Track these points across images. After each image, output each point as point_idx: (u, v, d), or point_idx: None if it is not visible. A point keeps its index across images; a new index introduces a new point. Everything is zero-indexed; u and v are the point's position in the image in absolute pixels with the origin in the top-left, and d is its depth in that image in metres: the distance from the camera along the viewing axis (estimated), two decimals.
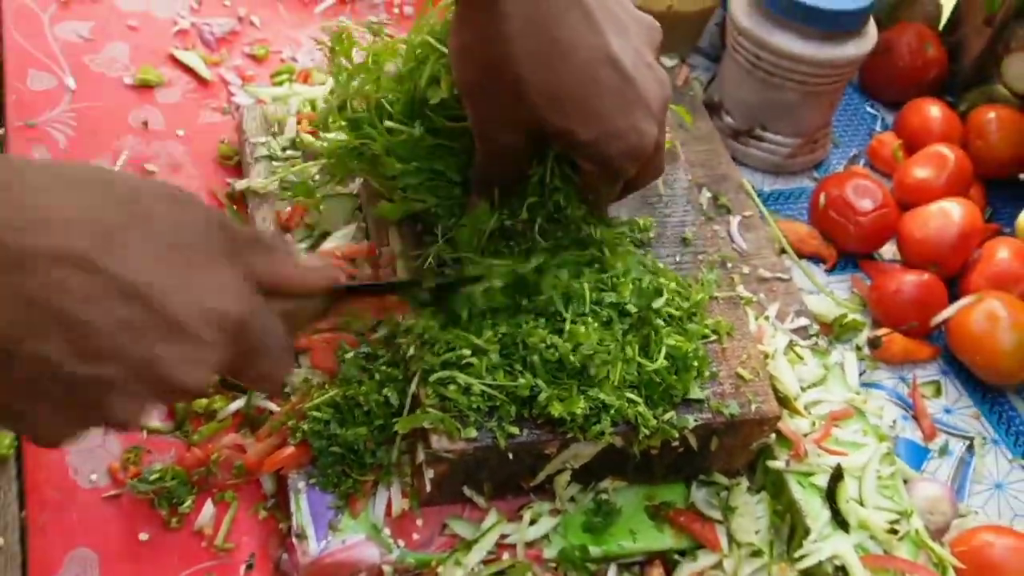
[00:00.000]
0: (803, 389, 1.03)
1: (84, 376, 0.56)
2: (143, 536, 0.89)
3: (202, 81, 1.25)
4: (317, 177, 1.08)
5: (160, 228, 0.59)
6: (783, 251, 1.20)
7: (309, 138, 1.11)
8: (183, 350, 0.59)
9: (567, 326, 0.87)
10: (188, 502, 0.91)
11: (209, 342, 0.60)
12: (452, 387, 0.85)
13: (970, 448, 1.13)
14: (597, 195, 0.91)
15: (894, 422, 1.10)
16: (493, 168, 0.89)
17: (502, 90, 0.80)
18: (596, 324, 0.88)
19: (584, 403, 0.86)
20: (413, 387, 0.88)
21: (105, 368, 0.57)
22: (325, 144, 1.00)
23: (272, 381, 0.68)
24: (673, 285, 0.96)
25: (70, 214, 0.56)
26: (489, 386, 0.85)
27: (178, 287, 0.58)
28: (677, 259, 1.02)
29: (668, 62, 1.33)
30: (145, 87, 1.22)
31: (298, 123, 1.13)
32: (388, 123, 0.92)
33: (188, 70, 1.25)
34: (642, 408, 0.87)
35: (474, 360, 0.85)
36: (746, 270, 1.13)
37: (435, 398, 0.86)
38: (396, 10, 1.41)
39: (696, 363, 0.91)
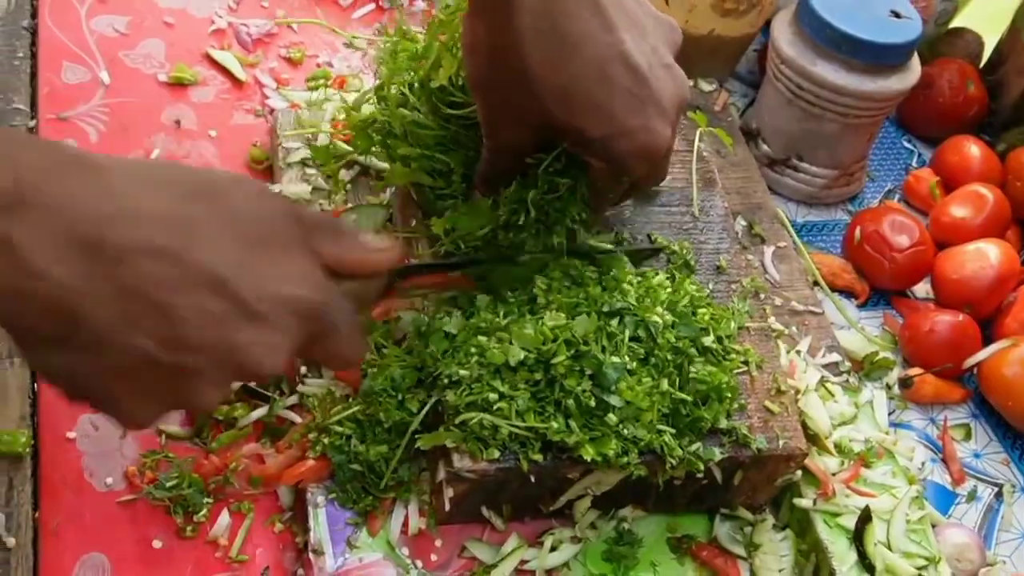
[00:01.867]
0: (833, 427, 1.01)
1: (172, 364, 0.59)
2: (157, 543, 0.87)
3: (236, 82, 1.24)
4: (349, 186, 1.08)
5: (239, 221, 0.62)
6: (816, 284, 1.18)
7: (344, 146, 1.09)
8: (263, 336, 0.62)
9: (601, 356, 0.85)
10: (204, 511, 0.89)
11: (286, 328, 0.63)
12: (477, 424, 0.83)
13: (999, 495, 1.11)
14: (601, 194, 0.90)
15: (923, 464, 1.08)
16: (498, 163, 0.88)
17: (511, 84, 0.79)
18: (631, 358, 0.86)
19: (616, 443, 0.84)
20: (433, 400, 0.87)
21: (191, 356, 0.60)
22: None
23: (347, 359, 0.71)
24: (707, 314, 0.94)
25: (158, 209, 0.59)
26: (517, 427, 0.83)
27: (256, 276, 0.62)
28: (711, 287, 1.01)
29: (707, 86, 1.32)
30: (179, 85, 1.21)
31: (333, 129, 1.11)
32: (402, 110, 0.93)
33: (223, 70, 1.24)
34: (669, 438, 0.86)
35: (503, 405, 0.83)
36: (778, 302, 1.12)
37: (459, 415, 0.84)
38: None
39: (729, 395, 0.90)
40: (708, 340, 0.92)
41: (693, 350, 0.90)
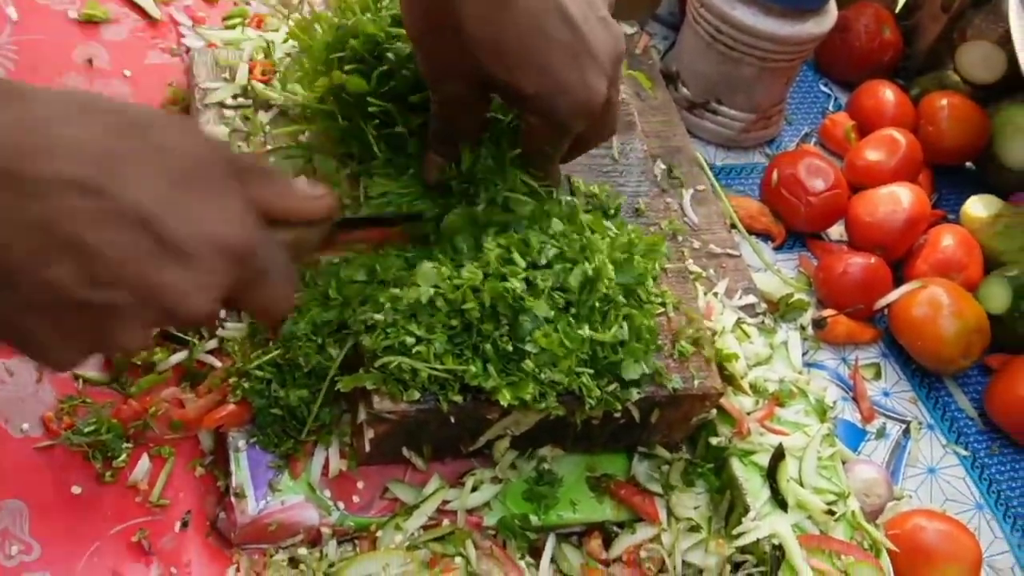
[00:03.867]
0: (749, 367, 1.03)
1: (92, 301, 0.57)
2: (76, 489, 0.87)
3: (151, 20, 1.20)
4: (268, 127, 1.06)
5: (168, 157, 0.60)
6: (733, 226, 1.20)
7: (261, 86, 1.07)
8: (189, 276, 0.60)
9: (521, 301, 0.84)
10: (123, 456, 0.88)
11: (214, 269, 0.61)
12: (396, 367, 0.83)
13: (906, 432, 1.15)
14: (542, 152, 0.88)
15: (834, 403, 1.11)
16: (444, 118, 0.88)
17: (448, 37, 0.78)
18: (551, 306, 0.86)
19: (534, 387, 0.85)
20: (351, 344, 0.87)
21: (113, 293, 0.58)
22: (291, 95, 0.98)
23: (276, 309, 0.68)
24: (643, 263, 0.94)
25: (79, 140, 0.57)
26: (436, 370, 0.83)
27: (184, 215, 0.59)
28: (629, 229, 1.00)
29: (628, 29, 1.31)
30: (91, 23, 1.17)
31: (250, 70, 1.09)
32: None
33: (136, 7, 1.20)
34: (587, 379, 0.86)
35: (421, 348, 0.83)
36: (696, 244, 1.13)
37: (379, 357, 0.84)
38: None
39: (648, 336, 0.91)
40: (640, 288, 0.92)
41: (620, 297, 0.90)
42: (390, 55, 0.92)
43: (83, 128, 0.58)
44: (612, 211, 1.04)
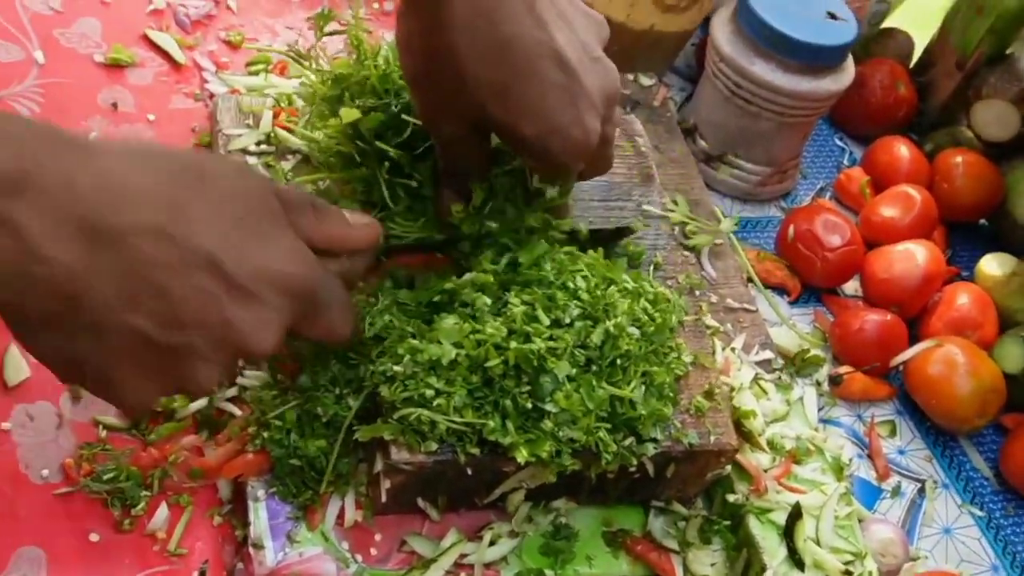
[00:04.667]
0: (766, 424, 1.03)
1: (169, 344, 0.61)
2: (94, 537, 0.86)
3: (175, 64, 1.21)
4: (290, 174, 1.06)
5: (225, 199, 0.63)
6: (750, 280, 1.20)
7: (284, 134, 1.07)
8: (255, 315, 0.63)
9: (544, 360, 0.83)
10: (142, 504, 0.88)
11: (278, 306, 0.64)
12: (415, 419, 0.83)
13: (921, 491, 1.14)
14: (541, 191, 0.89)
15: (850, 460, 1.10)
16: (448, 158, 0.88)
17: (444, 80, 0.79)
18: (572, 364, 0.85)
19: (551, 445, 0.84)
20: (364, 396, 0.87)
21: (188, 336, 0.61)
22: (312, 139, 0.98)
23: (339, 335, 0.73)
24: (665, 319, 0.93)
25: (147, 189, 0.60)
26: (455, 423, 0.83)
27: (247, 255, 0.63)
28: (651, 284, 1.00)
29: (647, 81, 1.32)
30: (116, 66, 1.18)
31: (274, 117, 1.09)
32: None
33: (161, 52, 1.21)
34: (604, 435, 0.86)
35: (441, 401, 0.83)
36: (714, 299, 1.12)
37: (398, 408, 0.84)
38: (376, 6, 1.39)
39: (670, 394, 0.90)
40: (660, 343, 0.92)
41: (640, 352, 0.89)
42: (405, 95, 0.92)
43: (148, 176, 0.60)
44: (635, 263, 1.04)
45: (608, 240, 1.03)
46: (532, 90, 0.78)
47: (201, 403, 0.93)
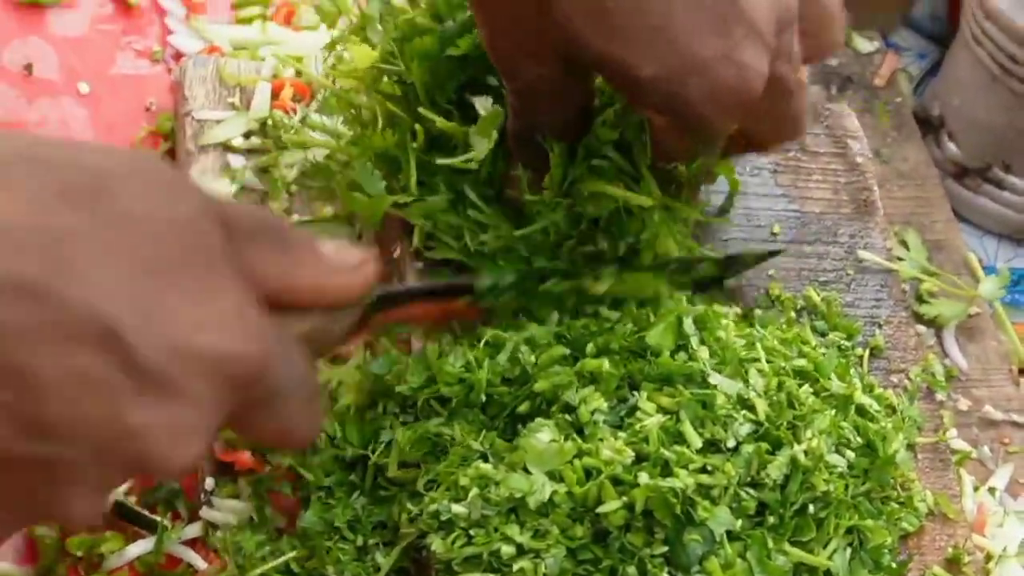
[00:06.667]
0: None
1: (28, 458, 0.48)
2: None
3: (123, 5, 1.01)
4: (294, 187, 0.89)
5: (136, 233, 0.50)
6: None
7: (288, 119, 0.89)
8: (166, 412, 0.50)
9: (691, 506, 0.70)
10: None
11: (203, 400, 0.51)
12: None
13: None
14: (672, 160, 0.78)
15: None
16: (525, 114, 0.76)
17: (525, 2, 0.68)
18: (737, 513, 0.70)
19: None
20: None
21: (57, 447, 0.48)
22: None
23: (298, 438, 0.59)
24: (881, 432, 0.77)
25: (13, 218, 0.48)
26: None
27: (159, 320, 0.50)
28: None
29: (865, 45, 1.10)
30: (32, 5, 0.99)
31: (274, 94, 0.90)
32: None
33: None
34: None
35: (525, 564, 0.69)
36: (964, 405, 0.92)
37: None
38: None
39: (890, 560, 0.76)
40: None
41: (847, 496, 0.74)
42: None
43: (14, 195, 0.48)
44: (847, 347, 0.85)
45: (743, 268, 0.86)
46: (657, 6, 0.66)
47: (144, 545, 0.78)
